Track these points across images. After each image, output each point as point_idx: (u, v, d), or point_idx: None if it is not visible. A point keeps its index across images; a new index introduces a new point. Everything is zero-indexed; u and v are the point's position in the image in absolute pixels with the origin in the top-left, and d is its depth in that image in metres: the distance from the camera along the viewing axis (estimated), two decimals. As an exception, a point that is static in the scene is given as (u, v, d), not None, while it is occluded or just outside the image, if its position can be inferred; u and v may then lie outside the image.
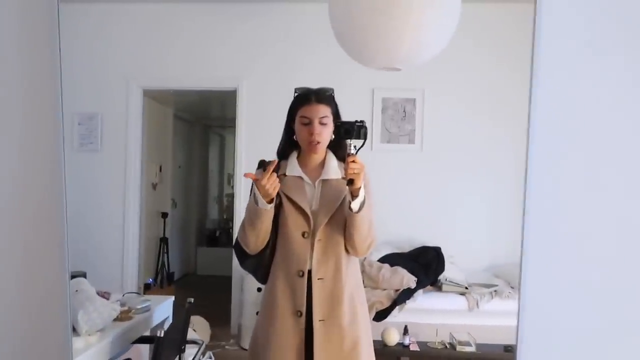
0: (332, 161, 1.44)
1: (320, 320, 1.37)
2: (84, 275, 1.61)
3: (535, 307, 1.31)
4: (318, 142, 1.38)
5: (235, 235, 1.46)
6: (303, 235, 1.39)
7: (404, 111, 2.07)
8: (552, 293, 1.33)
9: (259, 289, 1.57)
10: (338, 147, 1.44)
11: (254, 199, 1.35)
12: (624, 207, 1.40)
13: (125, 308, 1.64)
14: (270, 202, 1.33)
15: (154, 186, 2.43)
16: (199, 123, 2.90)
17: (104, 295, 1.61)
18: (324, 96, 1.42)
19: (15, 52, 1.24)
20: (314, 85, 1.48)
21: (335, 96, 1.45)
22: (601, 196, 1.40)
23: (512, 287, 1.96)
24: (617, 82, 1.38)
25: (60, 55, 1.15)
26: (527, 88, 1.37)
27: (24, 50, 1.24)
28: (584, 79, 1.37)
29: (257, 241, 1.39)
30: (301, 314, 1.36)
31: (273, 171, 1.31)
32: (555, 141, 1.37)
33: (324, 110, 1.39)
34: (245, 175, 1.33)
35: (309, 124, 1.39)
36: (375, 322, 1.88)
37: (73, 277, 1.48)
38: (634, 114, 1.39)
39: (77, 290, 1.46)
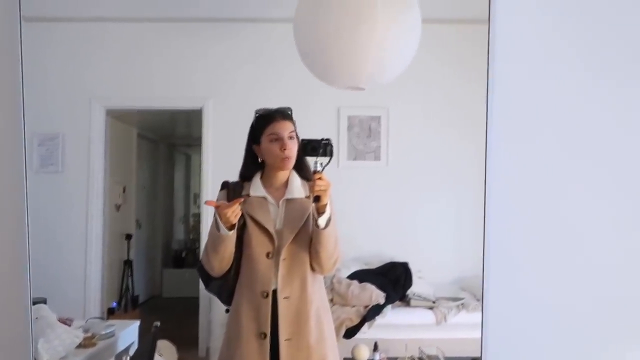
0: (296, 180, 1.46)
1: (286, 340, 1.37)
2: (44, 301, 1.55)
3: (498, 318, 1.34)
4: (289, 157, 1.41)
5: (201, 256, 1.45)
6: (267, 255, 1.40)
7: (370, 129, 2.10)
8: (514, 304, 1.37)
9: (227, 310, 1.55)
10: (301, 167, 1.46)
11: (215, 225, 1.35)
12: (583, 219, 1.46)
13: (89, 334, 1.59)
14: (231, 228, 1.34)
15: (118, 207, 2.37)
16: (163, 142, 2.86)
17: (66, 321, 1.56)
18: (287, 114, 1.46)
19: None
20: (280, 104, 1.50)
21: (292, 113, 1.49)
22: (560, 209, 1.45)
23: (477, 300, 1.98)
24: (570, 95, 1.46)
25: (23, 75, 1.13)
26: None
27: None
28: (537, 93, 1.44)
29: (221, 265, 1.39)
30: (265, 336, 1.36)
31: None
32: (511, 154, 1.42)
33: (290, 126, 1.43)
34: (207, 203, 1.33)
35: (278, 139, 1.41)
36: (345, 340, 1.88)
37: (33, 303, 1.43)
38: (588, 125, 1.46)
39: (37, 318, 1.41)
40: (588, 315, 1.42)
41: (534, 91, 1.43)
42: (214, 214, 1.37)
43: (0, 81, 1.19)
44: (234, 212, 1.33)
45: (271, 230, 1.40)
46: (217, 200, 1.47)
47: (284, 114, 1.45)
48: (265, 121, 1.45)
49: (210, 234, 1.38)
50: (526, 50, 1.42)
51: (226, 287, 1.44)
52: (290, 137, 1.43)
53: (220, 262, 1.38)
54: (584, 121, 1.45)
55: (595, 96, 1.45)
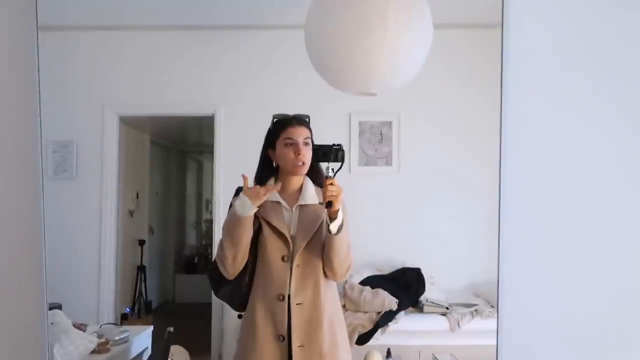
0: (310, 187, 1.47)
1: (299, 346, 1.37)
2: (59, 307, 1.57)
3: (513, 325, 1.33)
4: (303, 163, 1.41)
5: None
6: (282, 259, 1.40)
7: (381, 134, 2.10)
8: (529, 311, 1.35)
9: (240, 316, 1.55)
10: (315, 173, 1.47)
11: (234, 212, 1.35)
12: (599, 224, 1.45)
13: (103, 340, 1.60)
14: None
15: (131, 213, 2.39)
16: (176, 149, 2.88)
17: (81, 327, 1.58)
18: (304, 120, 1.47)
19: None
20: (292, 110, 1.51)
21: (309, 121, 1.49)
22: (574, 214, 1.44)
23: (491, 306, 1.97)
24: (584, 103, 1.44)
25: (39, 83, 1.15)
26: (499, 110, 1.42)
27: (2, 78, 1.23)
28: (551, 100, 1.43)
29: (236, 259, 1.39)
30: (283, 338, 1.36)
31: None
32: (525, 159, 1.41)
33: (306, 132, 1.44)
34: (243, 175, 1.35)
35: (293, 144, 1.42)
36: (357, 346, 1.87)
37: (49, 309, 1.44)
38: (602, 134, 1.44)
39: (52, 323, 1.43)
40: (605, 322, 1.40)
41: (548, 97, 1.41)
42: (233, 200, 1.39)
43: (18, 89, 1.20)
44: (265, 194, 1.35)
45: (286, 234, 1.40)
46: (231, 205, 1.49)
47: (300, 120, 1.46)
48: (282, 126, 1.46)
49: (227, 224, 1.39)
50: (540, 55, 1.41)
51: (239, 292, 1.44)
52: (306, 143, 1.44)
53: (236, 254, 1.37)
54: (601, 129, 1.44)
55: (611, 104, 1.44)
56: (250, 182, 1.48)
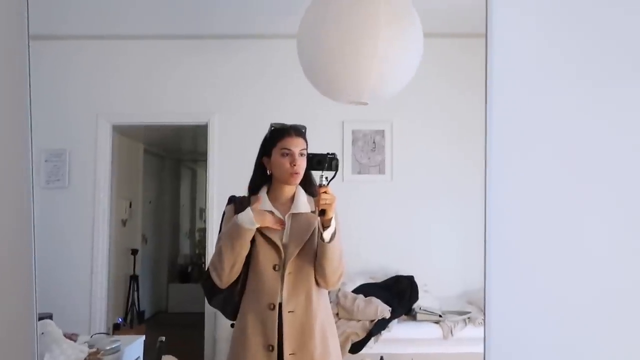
0: (302, 196, 1.48)
1: (290, 354, 1.37)
2: (50, 316, 1.56)
3: (500, 333, 1.33)
4: (297, 173, 1.43)
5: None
6: (274, 268, 1.40)
7: (374, 142, 2.11)
8: (517, 317, 1.36)
9: (232, 325, 1.55)
10: (307, 183, 1.48)
11: (238, 223, 1.36)
12: (586, 229, 1.46)
13: (94, 349, 1.59)
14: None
15: (124, 222, 2.38)
16: (170, 157, 2.88)
17: (72, 337, 1.56)
18: (301, 131, 1.49)
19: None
20: (285, 119, 1.52)
21: (306, 132, 1.51)
22: (562, 218, 1.45)
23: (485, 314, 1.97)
24: (568, 107, 1.46)
25: (30, 92, 1.15)
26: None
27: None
28: (535, 108, 1.44)
29: (232, 269, 1.40)
30: (273, 348, 1.36)
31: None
32: (511, 166, 1.43)
33: (302, 143, 1.46)
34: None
35: (289, 154, 1.43)
36: (350, 354, 1.86)
37: (39, 319, 1.43)
38: (588, 137, 1.46)
39: (42, 333, 1.41)
40: (594, 328, 1.41)
41: (532, 103, 1.43)
42: (221, 220, 1.39)
43: (9, 98, 1.20)
44: (271, 223, 1.38)
45: (278, 243, 1.41)
46: (225, 214, 1.49)
47: (297, 131, 1.48)
48: (279, 135, 1.48)
49: (228, 232, 1.39)
50: (524, 63, 1.43)
51: (231, 300, 1.45)
52: (301, 154, 1.46)
53: (233, 265, 1.38)
54: (583, 134, 1.45)
55: (594, 108, 1.46)
56: (245, 191, 1.48)
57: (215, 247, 1.42)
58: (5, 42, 1.18)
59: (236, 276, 1.41)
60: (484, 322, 1.28)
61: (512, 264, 1.39)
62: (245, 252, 1.38)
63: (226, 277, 1.40)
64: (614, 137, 1.46)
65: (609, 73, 1.45)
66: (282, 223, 1.40)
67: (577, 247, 1.44)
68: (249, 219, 1.35)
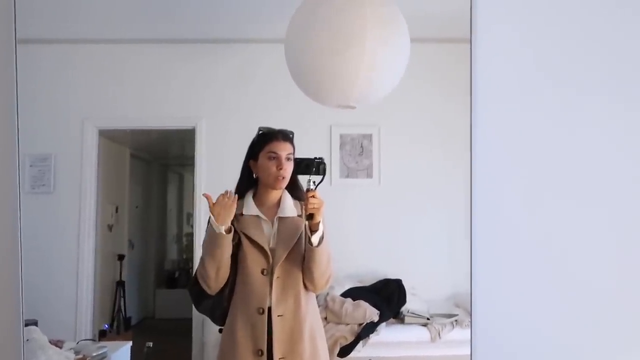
0: (288, 200, 1.49)
1: (280, 358, 1.37)
2: (35, 323, 1.54)
3: (486, 335, 1.34)
4: (284, 177, 1.43)
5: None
6: (262, 272, 1.41)
7: (362, 146, 2.12)
8: (502, 319, 1.37)
9: (220, 330, 1.54)
10: (293, 187, 1.49)
11: (211, 227, 1.36)
12: (571, 234, 1.48)
13: (80, 356, 1.57)
14: (226, 231, 1.35)
15: (110, 227, 2.36)
16: (156, 162, 2.86)
17: (57, 343, 1.54)
18: (288, 136, 1.50)
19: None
20: (273, 123, 1.53)
21: (294, 137, 1.51)
22: (546, 222, 1.47)
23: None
24: (553, 112, 1.49)
25: (17, 96, 1.14)
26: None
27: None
28: (519, 111, 1.47)
29: (217, 275, 1.39)
30: (262, 353, 1.36)
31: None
32: (495, 171, 1.45)
33: (289, 148, 1.46)
34: (205, 194, 1.35)
35: (276, 158, 1.44)
36: (339, 358, 1.86)
37: (24, 325, 1.42)
38: (572, 143, 1.49)
39: (28, 340, 1.40)
40: (579, 332, 1.43)
41: (516, 108, 1.46)
42: (208, 221, 1.38)
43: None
44: (227, 210, 1.35)
45: (265, 247, 1.41)
46: (211, 219, 1.48)
47: (285, 135, 1.50)
48: (267, 139, 1.49)
49: (206, 240, 1.39)
50: (508, 68, 1.46)
51: (220, 305, 1.44)
52: (288, 159, 1.47)
53: (217, 271, 1.38)
54: (567, 138, 1.48)
55: (581, 111, 1.49)
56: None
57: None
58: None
59: (224, 281, 1.40)
60: (471, 324, 1.29)
61: (497, 267, 1.40)
62: (226, 256, 1.37)
63: (213, 282, 1.39)
64: (598, 142, 1.49)
65: (592, 78, 1.49)
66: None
67: (562, 249, 1.46)
68: (214, 223, 1.34)
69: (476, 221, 1.37)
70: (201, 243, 1.56)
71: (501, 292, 1.37)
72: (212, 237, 1.36)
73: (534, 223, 1.42)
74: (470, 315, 1.27)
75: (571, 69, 1.47)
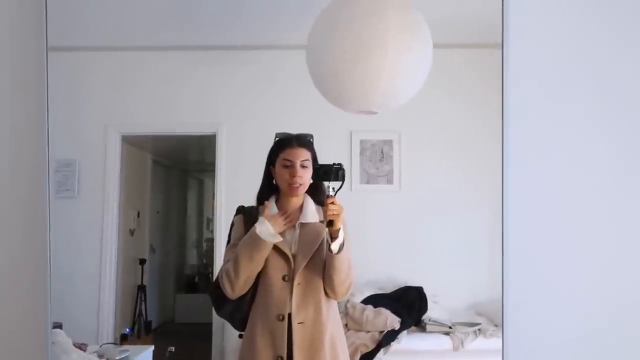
0: (310, 205, 1.47)
1: (301, 366, 1.36)
2: (60, 326, 1.55)
3: (518, 345, 1.32)
4: (299, 185, 1.42)
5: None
6: (283, 278, 1.40)
7: (382, 152, 2.11)
8: (534, 330, 1.34)
9: (240, 335, 1.54)
10: (316, 192, 1.48)
11: (257, 235, 1.36)
12: (605, 240, 1.45)
13: (103, 360, 1.58)
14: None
15: (132, 232, 2.38)
16: (177, 168, 2.89)
17: (81, 347, 1.56)
18: (305, 141, 1.48)
19: (3, 99, 1.24)
20: (293, 129, 1.52)
21: (313, 142, 1.50)
22: (579, 230, 1.44)
23: (495, 325, 1.95)
24: (585, 120, 1.45)
25: (48, 103, 1.16)
26: (498, 127, 1.43)
27: (13, 98, 1.24)
28: (552, 116, 1.44)
29: (247, 279, 1.40)
30: (282, 360, 1.35)
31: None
32: (528, 177, 1.42)
33: (305, 154, 1.44)
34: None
35: (290, 166, 1.43)
36: (360, 366, 1.85)
37: (50, 328, 1.43)
38: (604, 149, 1.45)
39: (53, 343, 1.41)
40: (615, 339, 1.39)
41: (549, 112, 1.43)
42: (234, 219, 1.39)
43: (27, 109, 1.22)
44: (285, 223, 1.37)
45: (287, 253, 1.41)
46: (233, 225, 1.49)
47: (300, 141, 1.48)
48: (282, 145, 1.48)
49: (247, 243, 1.39)
50: (541, 74, 1.43)
51: (240, 310, 1.44)
52: (303, 166, 1.45)
53: (249, 275, 1.38)
54: (601, 142, 1.45)
55: (614, 120, 1.45)
56: (252, 201, 1.48)
57: (226, 257, 1.41)
58: (25, 53, 1.20)
59: (249, 287, 1.40)
60: (502, 333, 1.27)
61: (529, 274, 1.37)
62: (262, 264, 1.37)
63: (239, 288, 1.39)
64: (635, 146, 1.45)
65: (635, 84, 1.44)
66: (291, 220, 1.39)
67: (597, 256, 1.42)
68: (269, 232, 1.35)
69: (508, 228, 1.35)
70: (221, 249, 1.56)
71: (533, 300, 1.34)
72: (255, 241, 1.36)
73: (569, 229, 1.39)
74: (502, 324, 1.24)
75: (610, 74, 1.44)
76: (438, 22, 1.62)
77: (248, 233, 1.40)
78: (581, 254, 1.42)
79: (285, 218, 1.38)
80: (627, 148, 1.47)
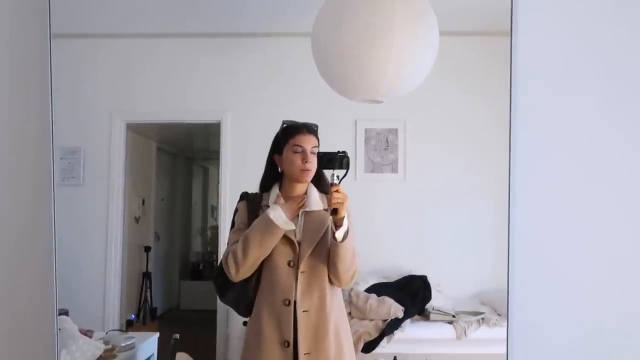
0: (314, 193, 1.48)
1: (306, 354, 1.37)
2: (66, 312, 1.57)
3: (523, 335, 1.32)
4: (309, 170, 1.43)
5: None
6: (289, 264, 1.41)
7: (387, 141, 2.10)
8: (539, 319, 1.35)
9: (245, 322, 1.55)
10: (320, 180, 1.48)
11: (271, 220, 1.36)
12: (611, 231, 1.44)
13: (109, 346, 1.60)
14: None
15: (137, 220, 2.40)
16: (182, 155, 2.89)
17: (87, 333, 1.58)
18: (313, 129, 1.49)
19: (7, 86, 1.24)
20: (299, 117, 1.52)
21: (318, 130, 1.51)
22: (586, 220, 1.43)
23: (498, 314, 1.96)
24: (595, 111, 1.44)
25: (52, 90, 1.16)
26: (504, 117, 1.42)
27: (16, 86, 1.24)
28: (560, 107, 1.43)
29: (254, 263, 1.40)
30: (289, 344, 1.36)
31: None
32: (535, 167, 1.41)
33: (314, 141, 1.46)
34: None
35: (301, 152, 1.43)
36: (363, 354, 1.86)
37: (57, 315, 1.45)
38: (613, 141, 1.44)
39: (59, 329, 1.43)
40: (620, 331, 1.39)
41: (558, 103, 1.42)
42: (238, 205, 1.40)
43: (31, 96, 1.22)
44: (297, 210, 1.40)
45: (293, 238, 1.41)
46: (237, 210, 1.50)
47: (309, 128, 1.49)
48: (291, 132, 1.49)
49: (263, 225, 1.40)
50: (550, 62, 1.42)
51: (245, 296, 1.45)
52: (313, 152, 1.46)
53: (256, 259, 1.39)
54: (610, 136, 1.43)
55: (624, 112, 1.43)
56: (256, 188, 1.48)
57: (231, 240, 1.42)
58: (28, 41, 1.20)
59: (252, 272, 1.41)
60: (507, 322, 1.27)
61: (536, 263, 1.37)
62: (270, 250, 1.38)
63: (244, 270, 1.40)
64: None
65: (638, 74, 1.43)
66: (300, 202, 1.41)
67: (603, 246, 1.42)
68: (282, 218, 1.35)
69: (515, 218, 1.34)
70: (225, 236, 1.57)
71: (539, 290, 1.35)
72: (269, 225, 1.37)
73: (575, 220, 1.38)
74: (507, 314, 1.24)
75: (621, 64, 1.42)
76: (444, 9, 1.61)
77: (260, 217, 1.40)
78: (588, 244, 1.42)
79: (298, 204, 1.40)
80: (638, 139, 1.45)
